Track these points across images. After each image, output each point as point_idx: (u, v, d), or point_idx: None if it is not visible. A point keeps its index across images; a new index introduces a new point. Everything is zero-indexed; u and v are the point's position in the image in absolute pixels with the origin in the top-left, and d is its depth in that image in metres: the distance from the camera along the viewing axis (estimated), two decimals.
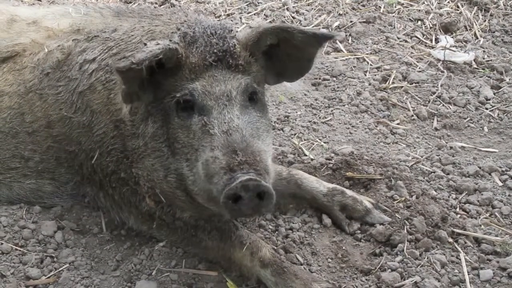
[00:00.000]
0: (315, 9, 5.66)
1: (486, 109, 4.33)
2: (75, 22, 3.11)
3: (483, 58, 4.99)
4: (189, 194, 2.64)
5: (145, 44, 2.47)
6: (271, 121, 3.28)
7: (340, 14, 5.55)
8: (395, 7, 5.80)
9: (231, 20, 5.40)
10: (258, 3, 5.73)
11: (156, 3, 5.65)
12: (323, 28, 5.28)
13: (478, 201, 3.30)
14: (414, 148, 3.85)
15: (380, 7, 5.76)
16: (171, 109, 2.59)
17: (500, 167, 3.62)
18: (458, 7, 5.86)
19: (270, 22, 5.36)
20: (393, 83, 4.54)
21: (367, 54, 4.96)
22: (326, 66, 4.73)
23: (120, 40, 2.87)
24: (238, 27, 5.22)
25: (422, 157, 3.70)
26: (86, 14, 3.18)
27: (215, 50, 2.57)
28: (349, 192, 3.17)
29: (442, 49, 4.97)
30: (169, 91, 2.59)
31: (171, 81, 2.57)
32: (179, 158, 2.59)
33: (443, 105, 4.34)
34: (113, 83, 2.78)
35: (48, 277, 2.72)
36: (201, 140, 2.49)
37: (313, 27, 5.34)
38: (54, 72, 2.96)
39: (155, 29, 2.82)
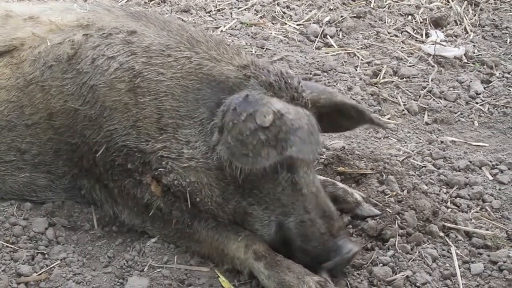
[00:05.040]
0: (305, 4, 5.66)
1: (477, 103, 4.35)
2: (82, 17, 3.06)
3: (473, 53, 5.02)
4: (243, 222, 2.76)
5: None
6: None
7: (330, 9, 5.56)
8: (386, 2, 5.82)
9: (222, 16, 5.39)
10: None
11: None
12: (313, 23, 5.28)
13: (469, 195, 3.31)
14: (405, 142, 3.86)
15: (370, 2, 5.77)
16: None
17: (491, 161, 3.63)
18: (448, 1, 5.88)
19: (261, 17, 5.36)
20: (383, 78, 4.54)
21: (357, 49, 4.97)
22: (317, 61, 4.73)
23: (151, 51, 2.82)
24: (228, 23, 5.21)
25: (413, 151, 3.71)
26: (93, 10, 3.14)
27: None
28: (340, 184, 3.18)
29: (433, 44, 4.98)
30: None
31: None
32: (253, 202, 2.68)
33: (433, 99, 4.36)
34: (144, 90, 2.76)
35: (40, 274, 2.70)
36: (290, 197, 2.64)
37: (303, 22, 5.34)
38: (59, 65, 2.92)
39: (202, 62, 2.77)
